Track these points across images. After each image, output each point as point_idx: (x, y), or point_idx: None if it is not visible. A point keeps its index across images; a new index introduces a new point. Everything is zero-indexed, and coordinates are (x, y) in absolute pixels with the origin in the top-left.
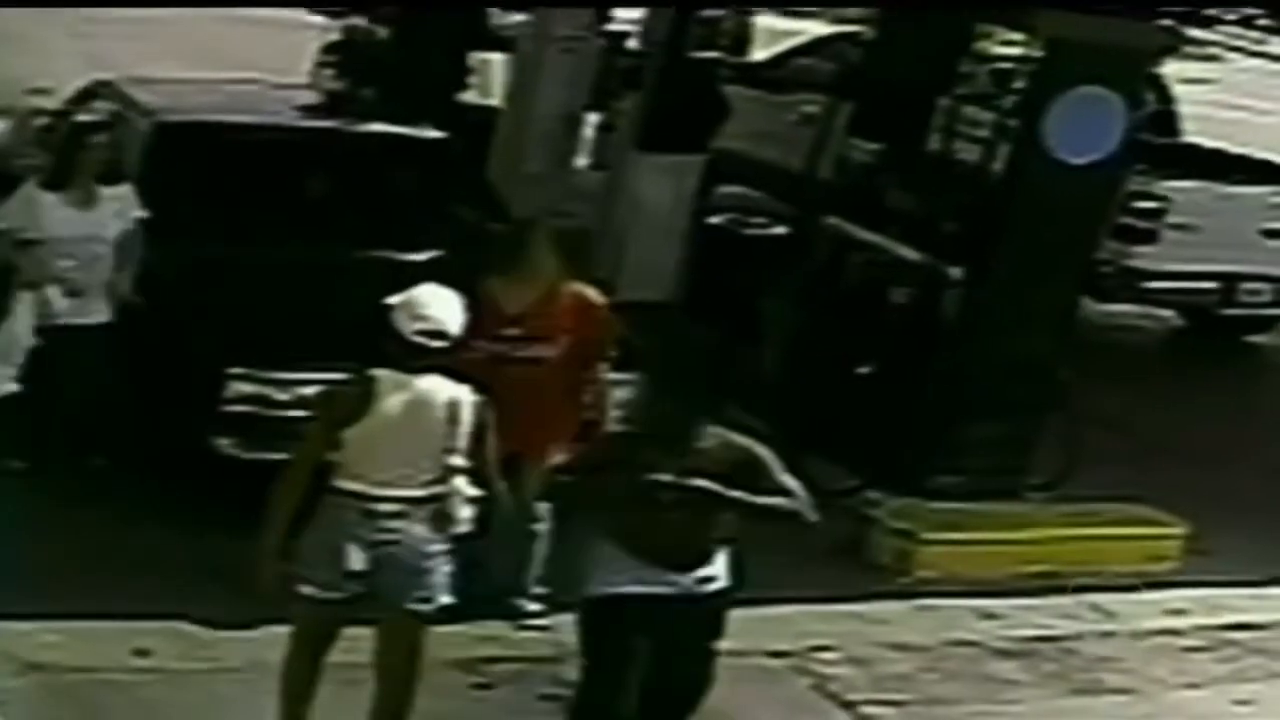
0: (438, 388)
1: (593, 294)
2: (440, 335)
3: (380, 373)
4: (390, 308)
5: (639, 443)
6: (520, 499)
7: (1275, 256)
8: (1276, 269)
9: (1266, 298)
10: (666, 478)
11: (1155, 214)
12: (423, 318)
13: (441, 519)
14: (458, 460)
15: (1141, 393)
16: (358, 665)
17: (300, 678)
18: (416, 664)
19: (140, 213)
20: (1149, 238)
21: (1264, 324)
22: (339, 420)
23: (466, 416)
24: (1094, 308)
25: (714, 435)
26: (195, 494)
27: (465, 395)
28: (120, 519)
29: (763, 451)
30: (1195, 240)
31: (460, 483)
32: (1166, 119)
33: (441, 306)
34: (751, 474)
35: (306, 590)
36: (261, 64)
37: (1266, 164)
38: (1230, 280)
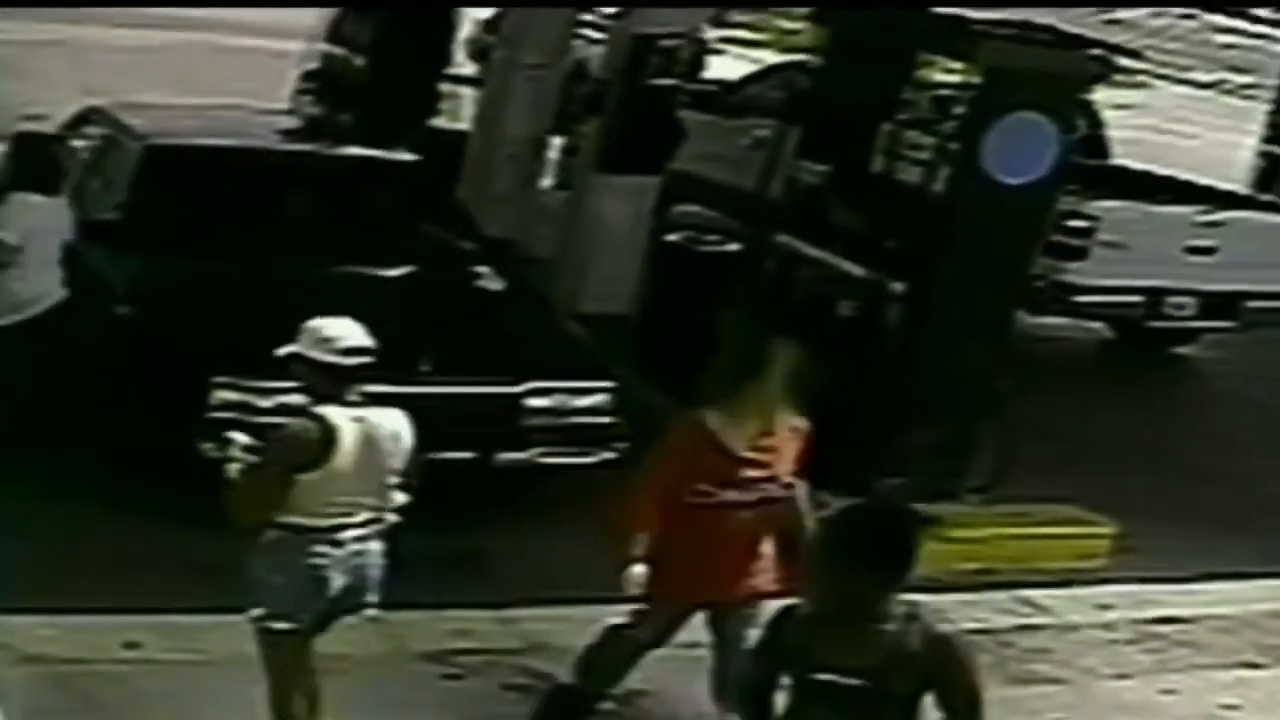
0: (380, 418)
1: (802, 421)
2: (360, 351)
3: (329, 411)
4: (294, 353)
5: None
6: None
7: (1199, 272)
8: (1200, 284)
9: (1190, 311)
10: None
11: (1086, 232)
12: (335, 339)
13: (384, 529)
14: (396, 479)
15: (1072, 401)
16: (335, 657)
17: (293, 702)
18: None
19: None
20: (1080, 254)
21: (1188, 336)
22: (302, 465)
23: (407, 440)
24: (1027, 320)
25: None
26: (182, 495)
27: (402, 421)
28: (112, 518)
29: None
30: (1123, 257)
31: (397, 495)
32: (1096, 142)
33: (346, 326)
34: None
35: (280, 626)
36: (244, 91)
37: (1190, 185)
38: (1156, 295)
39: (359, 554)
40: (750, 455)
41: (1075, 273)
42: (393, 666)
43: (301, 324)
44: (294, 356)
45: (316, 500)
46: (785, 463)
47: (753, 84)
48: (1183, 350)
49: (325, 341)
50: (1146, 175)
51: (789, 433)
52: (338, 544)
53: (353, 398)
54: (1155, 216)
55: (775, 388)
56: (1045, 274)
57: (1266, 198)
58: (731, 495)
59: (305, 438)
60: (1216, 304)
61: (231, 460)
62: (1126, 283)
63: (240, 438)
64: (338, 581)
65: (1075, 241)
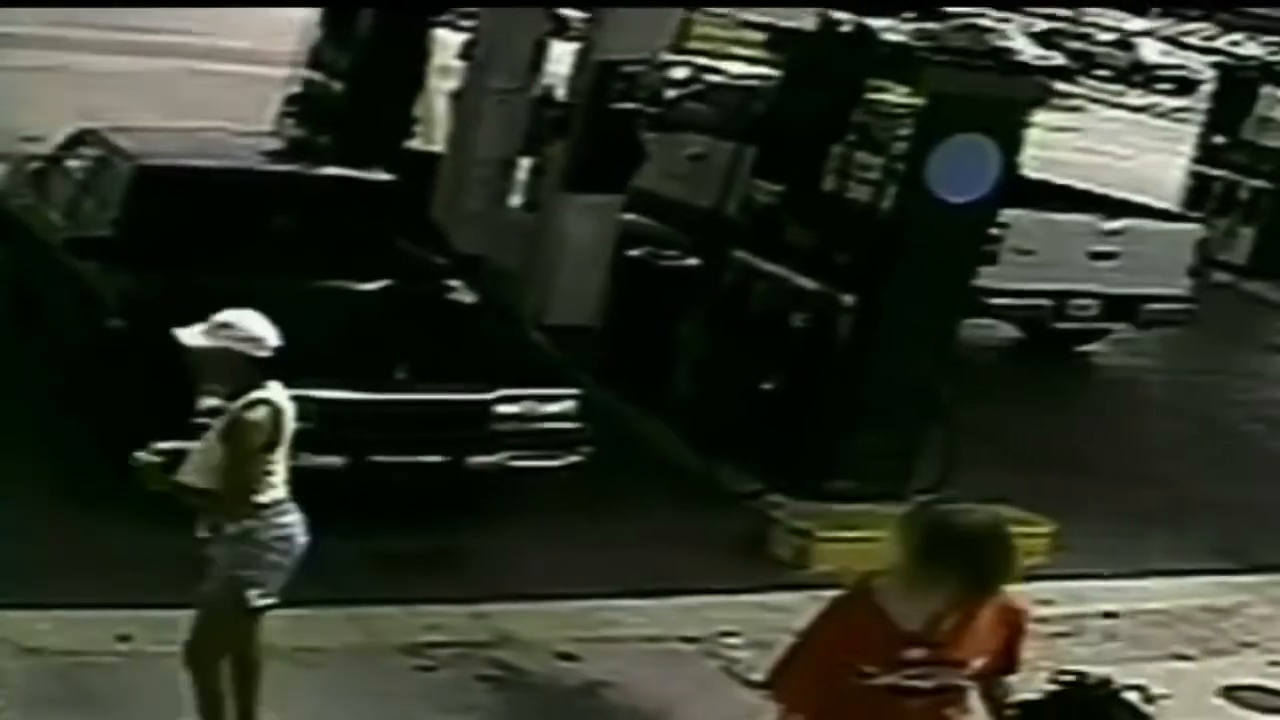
0: (284, 396)
1: (1020, 601)
2: (269, 340)
3: (271, 394)
4: (221, 346)
5: None
6: None
7: (1100, 276)
8: (1101, 287)
9: (1093, 312)
10: None
11: (995, 239)
12: (263, 337)
13: None
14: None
15: (995, 401)
16: (315, 650)
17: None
18: None
19: None
20: (990, 259)
21: (1092, 336)
22: (266, 446)
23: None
24: None
25: None
26: (170, 497)
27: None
28: (104, 518)
29: None
30: (1030, 262)
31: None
32: None
33: (264, 322)
34: None
35: (263, 601)
36: (229, 114)
37: (1090, 194)
38: (1061, 297)
39: (299, 517)
40: (925, 634)
41: (986, 277)
42: (369, 659)
43: (213, 319)
44: (221, 351)
45: (272, 477)
46: (977, 647)
47: (689, 101)
48: (1087, 349)
49: (255, 340)
50: (1050, 186)
51: (992, 613)
52: (291, 510)
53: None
54: (1059, 224)
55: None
56: None
57: (1162, 206)
58: (900, 679)
59: (270, 421)
60: (1117, 305)
61: (156, 474)
62: (1033, 286)
63: (148, 457)
64: (300, 543)
65: (986, 248)
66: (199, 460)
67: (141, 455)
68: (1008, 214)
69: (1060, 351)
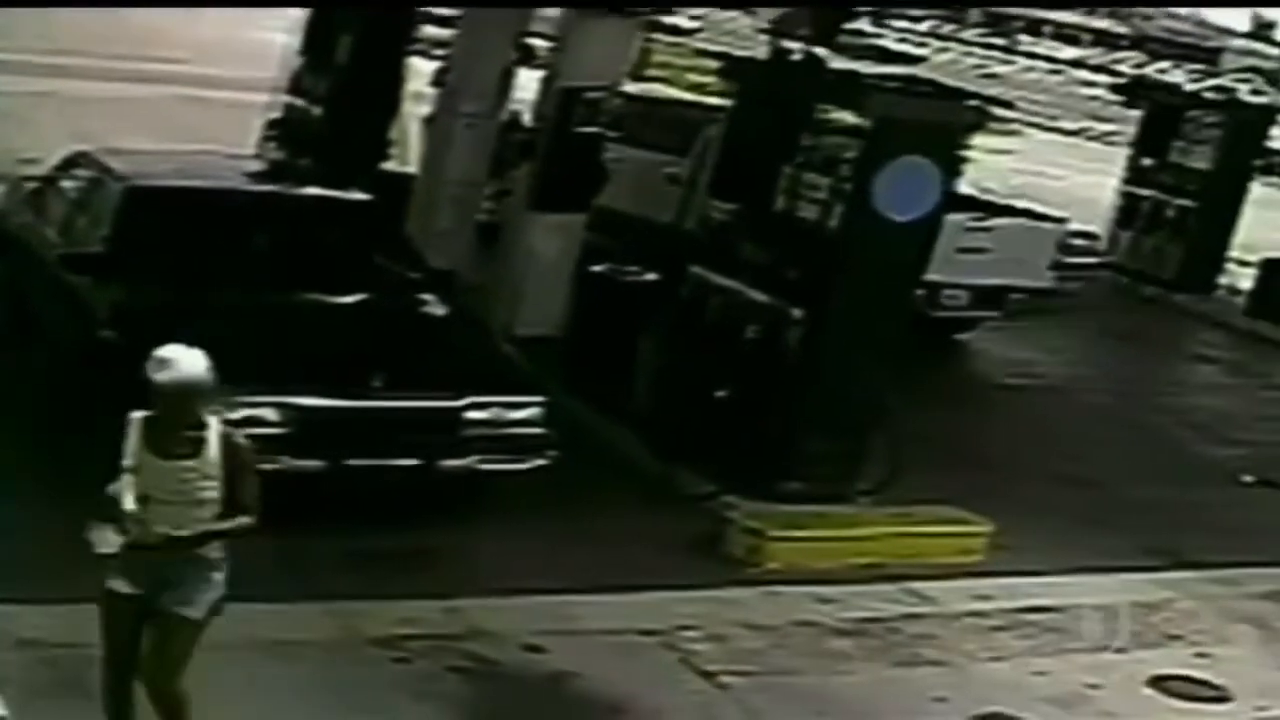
0: None
1: None
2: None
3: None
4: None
5: None
6: None
7: (969, 269)
8: (970, 279)
9: (963, 302)
10: None
11: None
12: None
13: None
14: None
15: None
16: (296, 643)
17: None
18: None
19: None
20: None
21: (966, 324)
22: None
23: None
24: None
25: None
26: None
27: None
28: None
29: None
30: None
31: None
32: None
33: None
34: None
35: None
36: (215, 138)
37: (965, 197)
38: (934, 288)
39: None
40: None
41: None
42: (347, 651)
43: (163, 356)
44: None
45: None
46: None
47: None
48: (962, 337)
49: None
50: None
51: None
52: None
53: None
54: None
55: None
56: None
57: (1024, 205)
58: None
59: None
60: (984, 296)
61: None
62: None
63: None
64: None
65: None
66: (179, 496)
67: (105, 532)
68: None
69: (939, 338)
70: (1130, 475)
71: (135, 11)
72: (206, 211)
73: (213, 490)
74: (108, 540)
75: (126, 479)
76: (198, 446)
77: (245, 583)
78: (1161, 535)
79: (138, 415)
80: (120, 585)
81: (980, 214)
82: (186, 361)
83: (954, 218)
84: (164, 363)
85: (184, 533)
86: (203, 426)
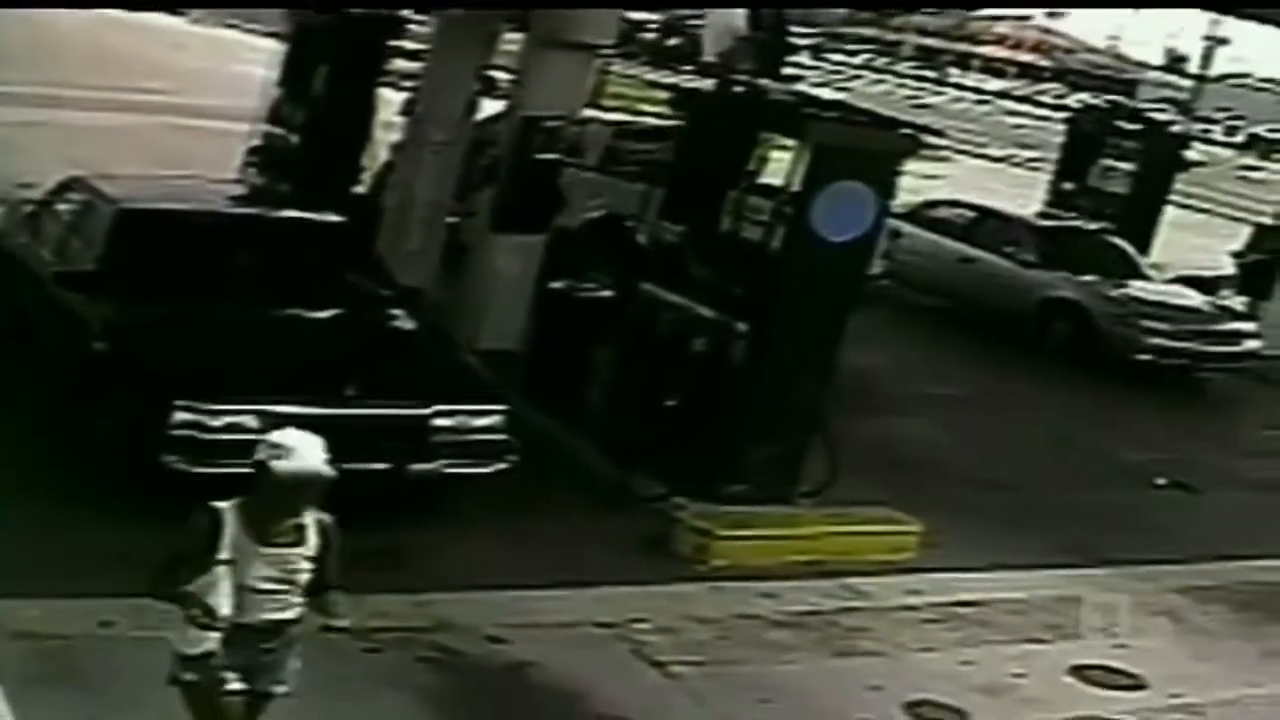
0: None
1: None
2: None
3: None
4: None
5: None
6: None
7: None
8: None
9: None
10: None
11: None
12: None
13: None
14: None
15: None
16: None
17: None
18: None
19: None
20: None
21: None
22: None
23: None
24: None
25: None
26: (148, 498)
27: None
28: (88, 518)
29: None
30: None
31: None
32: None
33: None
34: None
35: None
36: (200, 164)
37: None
38: None
39: None
40: None
41: None
42: (323, 642)
43: (277, 444)
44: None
45: None
46: None
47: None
48: None
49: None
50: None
51: None
52: None
53: None
54: None
55: None
56: None
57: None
58: None
59: None
60: None
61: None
62: None
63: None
64: None
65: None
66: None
67: (192, 632)
68: None
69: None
70: (1051, 478)
71: (124, 44)
72: (191, 232)
73: (308, 573)
74: (195, 640)
75: (221, 572)
76: (301, 532)
77: None
78: (1081, 535)
79: (232, 503)
80: (221, 678)
81: None
82: (308, 451)
83: None
84: (284, 451)
85: (289, 616)
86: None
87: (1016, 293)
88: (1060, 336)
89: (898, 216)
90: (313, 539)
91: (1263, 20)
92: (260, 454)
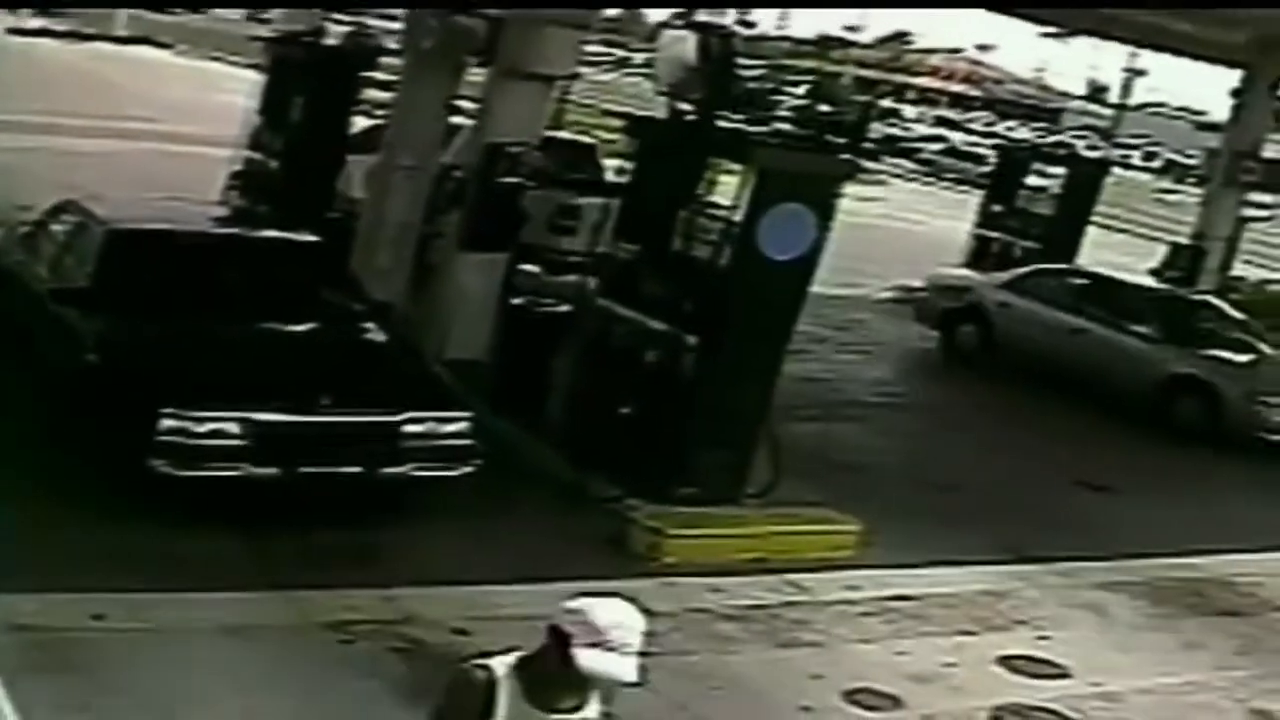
0: None
1: None
2: None
3: None
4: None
5: None
6: None
7: None
8: None
9: None
10: None
11: (578, 218)
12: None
13: None
14: None
15: None
16: (257, 626)
17: None
18: None
19: None
20: (573, 232)
21: None
22: None
23: None
24: None
25: None
26: (139, 498)
27: None
28: (83, 518)
29: None
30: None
31: None
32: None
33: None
34: None
35: None
36: (185, 187)
37: None
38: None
39: None
40: None
41: (569, 243)
42: (299, 633)
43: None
44: None
45: None
46: None
47: None
48: None
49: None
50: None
51: None
52: None
53: None
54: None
55: None
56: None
57: None
58: None
59: None
60: None
61: None
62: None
63: None
64: None
65: (568, 223)
66: None
67: None
68: (582, 201)
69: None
70: (981, 480)
71: (115, 76)
72: (177, 251)
73: None
74: None
75: None
76: (582, 696)
77: (211, 575)
78: (1009, 533)
79: (508, 663)
80: None
81: None
82: (621, 660)
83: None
84: (598, 638)
85: None
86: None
87: (1137, 368)
88: (1188, 414)
89: (1007, 286)
90: (596, 704)
91: (1034, 20)
92: (568, 624)
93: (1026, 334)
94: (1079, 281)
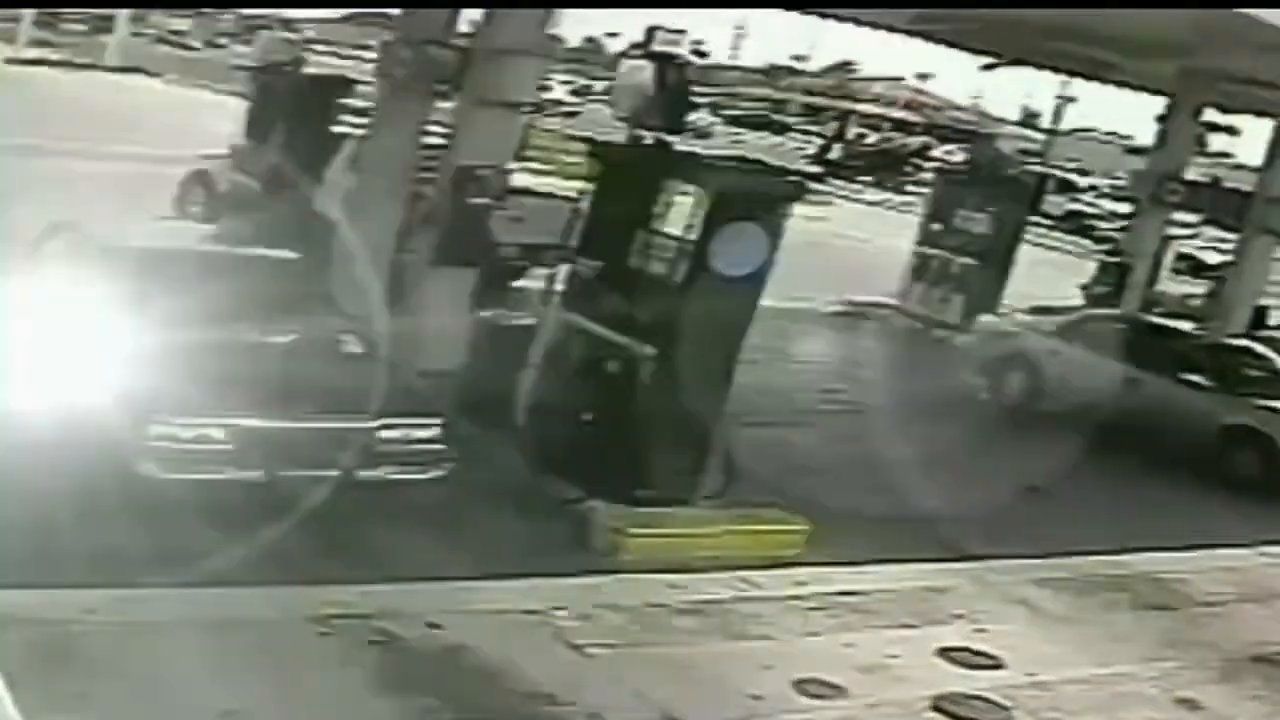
0: None
1: None
2: None
3: None
4: None
5: None
6: None
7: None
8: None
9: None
10: None
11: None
12: None
13: None
14: None
15: None
16: (242, 620)
17: None
18: None
19: None
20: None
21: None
22: None
23: None
24: None
25: None
26: (131, 501)
27: None
28: (76, 518)
29: None
30: (524, 227)
31: None
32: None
33: None
34: None
35: None
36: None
37: None
38: (534, 248)
39: None
40: None
41: (511, 234)
42: (283, 626)
43: None
44: None
45: None
46: None
47: None
48: None
49: None
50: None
51: None
52: None
53: None
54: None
55: None
56: None
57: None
58: None
59: None
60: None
61: None
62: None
63: None
64: None
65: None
66: None
67: None
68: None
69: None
70: (923, 481)
71: (108, 103)
72: (166, 266)
73: None
74: None
75: None
76: None
77: (197, 571)
78: (949, 532)
79: None
80: None
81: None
82: None
83: None
84: None
85: None
86: None
87: (1191, 418)
88: (1245, 466)
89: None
90: None
91: (841, 19)
92: None
93: (1075, 382)
94: (1127, 327)
